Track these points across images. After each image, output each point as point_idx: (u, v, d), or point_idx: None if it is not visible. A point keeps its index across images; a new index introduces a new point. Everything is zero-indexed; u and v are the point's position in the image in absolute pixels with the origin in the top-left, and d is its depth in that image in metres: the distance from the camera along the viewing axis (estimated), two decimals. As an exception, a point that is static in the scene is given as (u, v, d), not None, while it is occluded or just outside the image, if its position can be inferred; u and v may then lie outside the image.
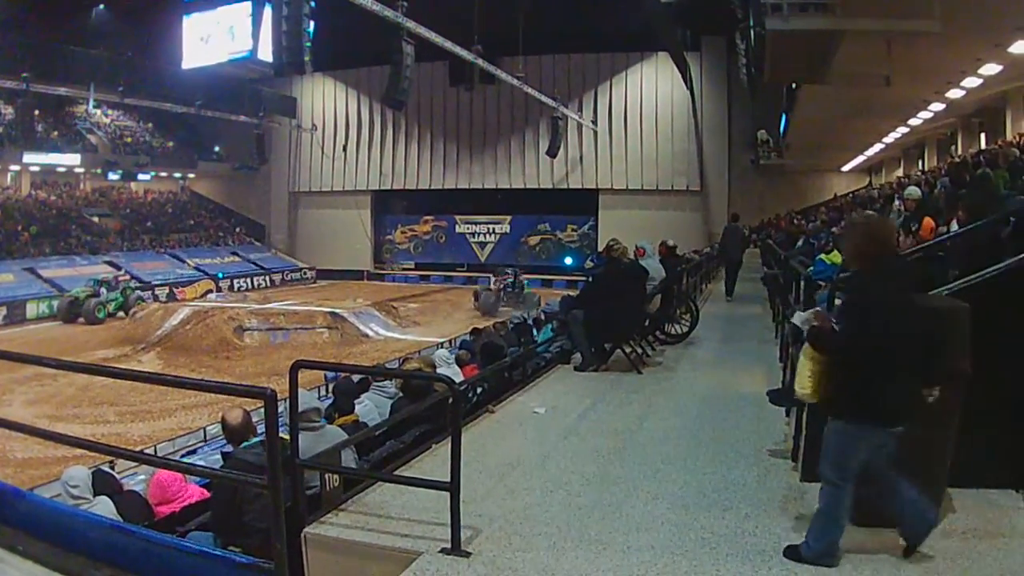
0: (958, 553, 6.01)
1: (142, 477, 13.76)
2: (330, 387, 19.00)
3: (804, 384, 6.06)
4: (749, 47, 25.43)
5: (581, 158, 63.50)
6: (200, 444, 19.80)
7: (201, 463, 11.42)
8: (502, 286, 53.02)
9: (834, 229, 21.43)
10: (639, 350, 14.16)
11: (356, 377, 13.01)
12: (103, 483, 8.57)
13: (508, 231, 69.17)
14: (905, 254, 9.79)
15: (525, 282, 54.95)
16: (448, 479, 6.05)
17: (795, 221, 35.69)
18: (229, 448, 8.13)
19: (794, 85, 28.46)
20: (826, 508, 5.90)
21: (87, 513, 6.75)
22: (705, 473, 7.88)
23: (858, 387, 5.72)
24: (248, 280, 63.16)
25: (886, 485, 5.89)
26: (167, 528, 7.26)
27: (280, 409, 5.14)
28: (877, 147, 41.50)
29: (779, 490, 7.49)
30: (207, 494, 8.72)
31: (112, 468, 12.24)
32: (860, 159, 48.27)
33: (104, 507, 7.73)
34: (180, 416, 25.40)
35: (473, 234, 70.00)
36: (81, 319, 44.77)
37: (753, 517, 6.83)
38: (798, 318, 6.21)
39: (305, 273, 69.15)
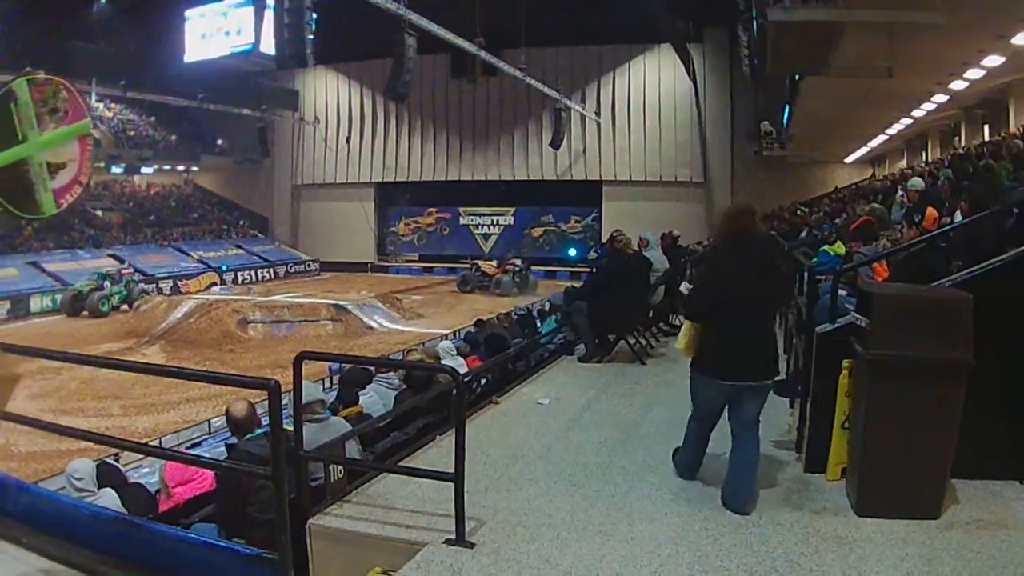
0: (961, 544, 6.00)
1: (146, 470, 13.82)
2: (334, 379, 19.04)
3: (680, 342, 7.53)
4: (751, 38, 25.48)
5: (584, 150, 63.19)
6: (205, 436, 19.86)
7: (206, 455, 11.45)
8: (513, 270, 53.82)
9: (836, 220, 21.44)
10: (643, 341, 14.20)
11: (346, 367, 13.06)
12: (108, 475, 8.61)
13: (512, 223, 68.74)
14: (908, 245, 9.82)
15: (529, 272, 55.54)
16: (452, 470, 6.06)
17: (798, 212, 35.68)
18: (233, 440, 8.15)
19: (797, 76, 28.41)
20: (686, 435, 7.65)
21: (91, 505, 6.76)
22: (710, 462, 7.75)
23: (705, 345, 7.22)
24: (252, 273, 62.87)
25: (734, 442, 7.18)
26: (171, 521, 7.26)
27: (284, 401, 5.16)
28: (880, 138, 41.46)
29: (783, 481, 7.49)
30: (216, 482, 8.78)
31: (117, 460, 12.27)
32: (863, 150, 48.24)
33: (109, 499, 7.76)
34: (184, 409, 25.35)
35: (477, 226, 69.64)
36: (85, 313, 44.56)
37: (757, 508, 6.82)
38: (684, 287, 7.90)
39: (309, 266, 68.89)
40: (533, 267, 57.47)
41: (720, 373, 7.07)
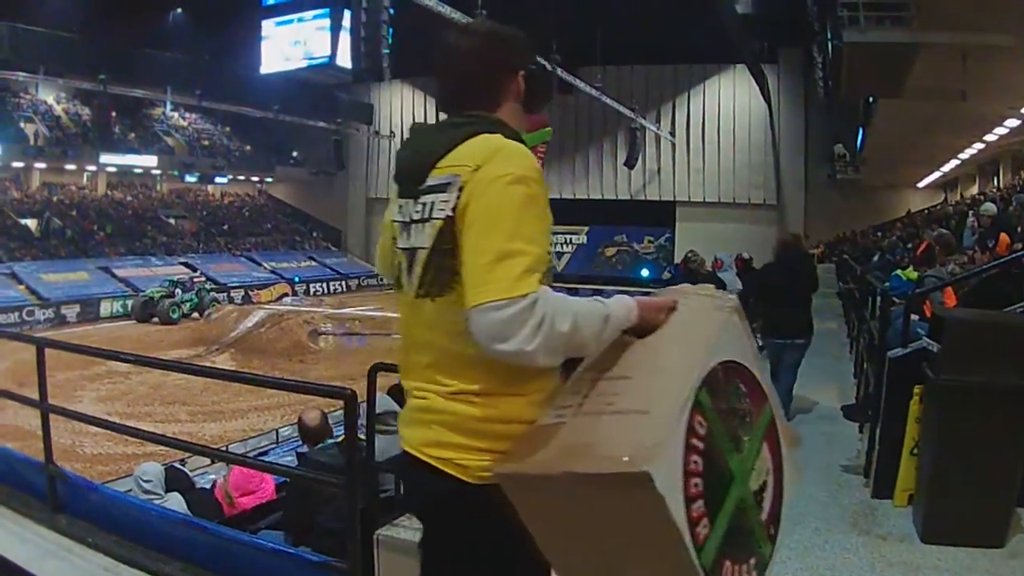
0: (1027, 574, 5.93)
1: (212, 476, 13.90)
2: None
3: None
4: (826, 60, 25.32)
5: (659, 170, 63.11)
6: (272, 446, 19.90)
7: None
8: None
9: (909, 245, 21.30)
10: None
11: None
12: (175, 480, 8.70)
13: (585, 241, 68.39)
14: (980, 270, 9.76)
15: None
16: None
17: (871, 236, 35.38)
18: (303, 449, 8.21)
19: (871, 99, 28.23)
20: None
21: (159, 507, 6.82)
22: None
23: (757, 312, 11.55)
24: (324, 285, 63.31)
25: (774, 379, 10.15)
26: (237, 527, 7.33)
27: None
28: (952, 163, 41.02)
29: (850, 506, 7.46)
30: (276, 493, 8.85)
31: (183, 466, 12.39)
32: (935, 175, 47.75)
33: (175, 503, 7.84)
34: (252, 417, 25.57)
35: (550, 244, 68.06)
36: (155, 319, 45.05)
37: (823, 532, 6.81)
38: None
39: (381, 279, 68.13)
40: (606, 287, 57.47)
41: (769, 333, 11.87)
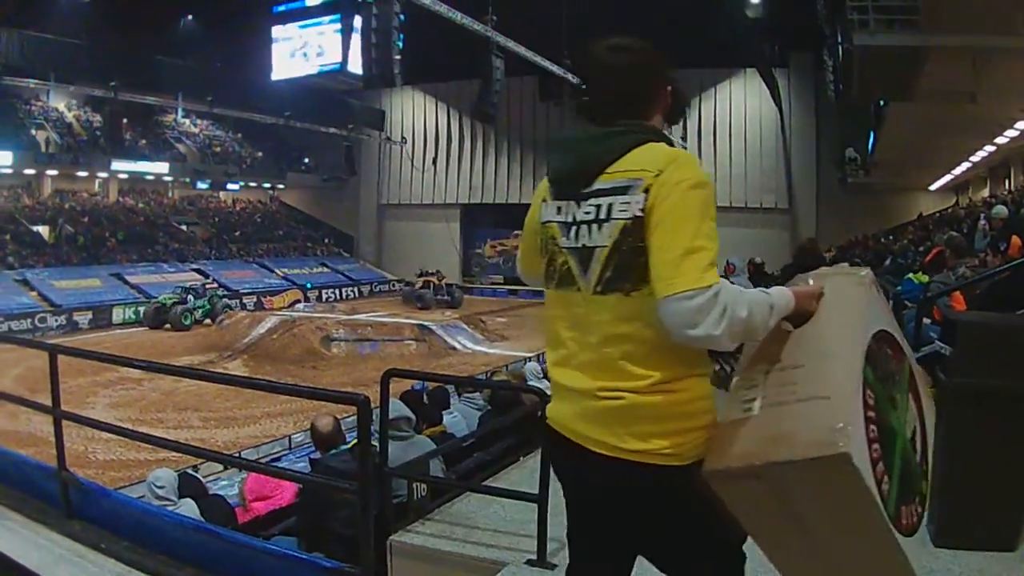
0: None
1: (225, 483, 13.93)
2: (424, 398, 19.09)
3: None
4: (836, 63, 25.35)
5: (671, 174, 62.02)
6: (285, 452, 19.94)
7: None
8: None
9: (920, 248, 21.30)
10: (727, 368, 14.12)
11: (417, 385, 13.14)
12: (188, 486, 8.73)
13: (596, 246, 67.33)
14: (992, 272, 9.75)
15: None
16: (535, 491, 6.04)
17: (882, 240, 35.37)
18: (316, 455, 8.24)
19: (881, 102, 28.23)
20: None
21: (172, 513, 6.85)
22: None
23: None
24: (336, 291, 63.27)
25: None
26: (251, 533, 7.35)
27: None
28: (963, 166, 40.93)
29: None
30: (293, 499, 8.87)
31: (196, 472, 12.41)
32: (947, 178, 47.60)
33: (188, 509, 7.85)
34: (265, 424, 25.51)
35: (719, 242, 68.35)
36: (167, 325, 45.04)
37: (835, 535, 6.79)
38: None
39: (393, 285, 68.78)
40: None
41: None
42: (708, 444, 3.05)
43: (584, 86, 3.50)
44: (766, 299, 3.01)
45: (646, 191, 3.06)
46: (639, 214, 3.05)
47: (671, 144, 3.29)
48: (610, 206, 3.12)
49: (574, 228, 3.20)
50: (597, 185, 3.17)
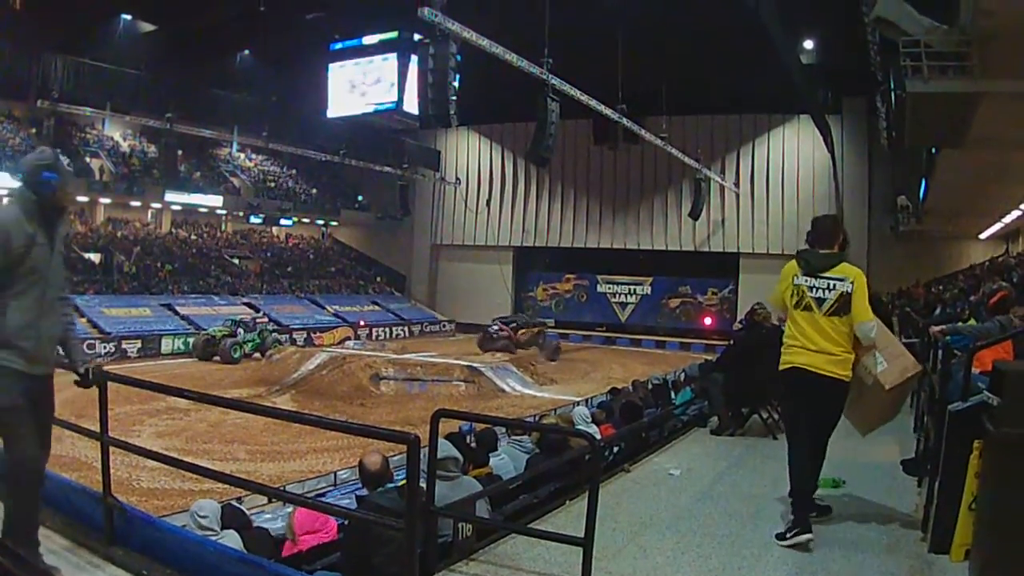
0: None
1: (268, 516, 13.95)
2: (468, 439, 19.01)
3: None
4: (889, 110, 25.31)
5: (723, 220, 62.95)
6: (330, 488, 19.85)
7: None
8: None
9: (972, 297, 21.16)
10: (775, 416, 14.12)
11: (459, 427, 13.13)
12: (232, 517, 8.76)
13: (649, 292, 68.62)
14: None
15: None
16: (581, 534, 6.08)
17: (932, 289, 35.18)
18: (361, 492, 8.25)
19: (934, 150, 28.15)
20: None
21: (216, 543, 6.87)
22: (835, 539, 7.91)
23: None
24: (387, 329, 63.48)
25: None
26: (294, 566, 7.37)
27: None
28: (1014, 214, 40.57)
29: (906, 560, 7.44)
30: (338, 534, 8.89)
31: (240, 504, 12.43)
32: (997, 226, 47.08)
33: (232, 540, 7.89)
34: (311, 459, 25.46)
35: (614, 294, 69.62)
36: (217, 358, 45.42)
37: (881, 586, 6.82)
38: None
39: (444, 325, 69.43)
40: (668, 339, 58.89)
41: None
42: (882, 376, 8.09)
43: (812, 229, 8.32)
44: (878, 327, 8.06)
45: (852, 282, 7.80)
46: (848, 290, 7.78)
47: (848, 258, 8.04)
48: (835, 283, 7.85)
49: (816, 288, 7.89)
50: (826, 275, 7.89)
